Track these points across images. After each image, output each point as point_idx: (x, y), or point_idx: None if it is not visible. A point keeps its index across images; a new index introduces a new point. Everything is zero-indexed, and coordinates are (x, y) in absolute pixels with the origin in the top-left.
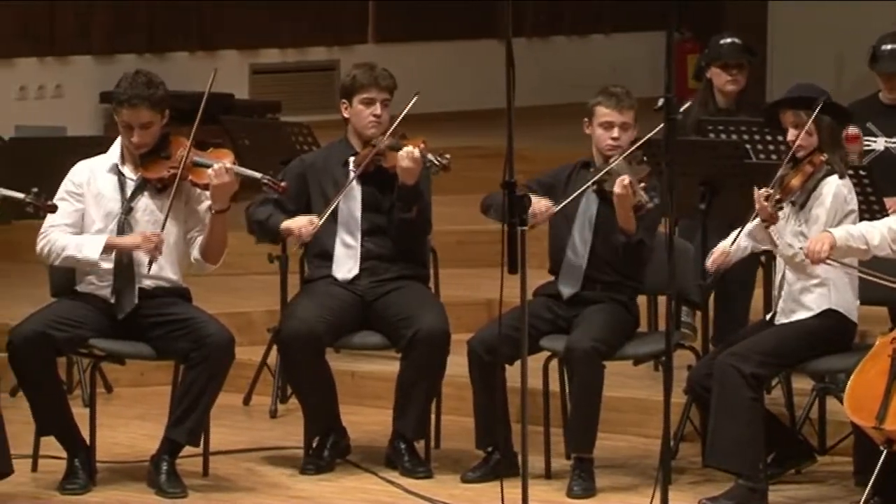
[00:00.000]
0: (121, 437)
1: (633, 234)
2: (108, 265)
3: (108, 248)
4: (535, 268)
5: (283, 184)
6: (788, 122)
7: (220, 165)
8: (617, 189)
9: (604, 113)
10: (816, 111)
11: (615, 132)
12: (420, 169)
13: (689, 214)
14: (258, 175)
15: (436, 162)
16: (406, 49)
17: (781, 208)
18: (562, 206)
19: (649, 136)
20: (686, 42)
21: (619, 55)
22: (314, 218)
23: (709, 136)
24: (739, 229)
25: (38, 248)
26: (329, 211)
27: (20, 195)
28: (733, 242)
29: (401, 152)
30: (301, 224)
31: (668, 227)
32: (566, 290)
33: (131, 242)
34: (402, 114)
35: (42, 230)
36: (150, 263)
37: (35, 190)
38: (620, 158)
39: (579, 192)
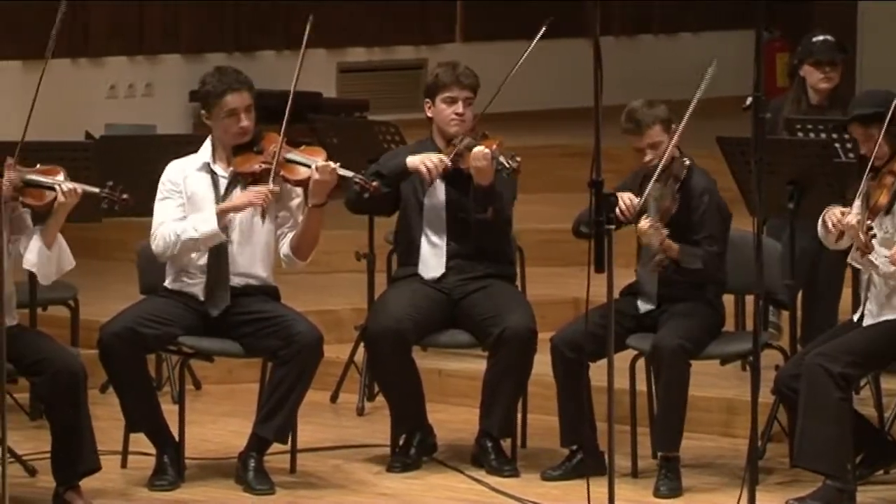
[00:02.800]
0: (209, 433)
1: (678, 261)
2: (202, 261)
3: (220, 216)
4: (621, 266)
5: (374, 183)
6: (856, 135)
7: (326, 164)
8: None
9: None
10: (885, 125)
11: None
12: (492, 169)
13: (777, 213)
14: (350, 174)
15: (506, 164)
16: (494, 48)
17: (875, 235)
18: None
19: (664, 157)
20: (775, 41)
21: (707, 54)
22: (444, 157)
23: (797, 135)
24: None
25: (154, 247)
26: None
27: (95, 189)
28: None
29: (473, 152)
30: (433, 164)
31: (756, 226)
32: (642, 306)
33: (242, 202)
34: (499, 88)
35: (152, 231)
36: (264, 215)
37: (110, 183)
38: (652, 181)
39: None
